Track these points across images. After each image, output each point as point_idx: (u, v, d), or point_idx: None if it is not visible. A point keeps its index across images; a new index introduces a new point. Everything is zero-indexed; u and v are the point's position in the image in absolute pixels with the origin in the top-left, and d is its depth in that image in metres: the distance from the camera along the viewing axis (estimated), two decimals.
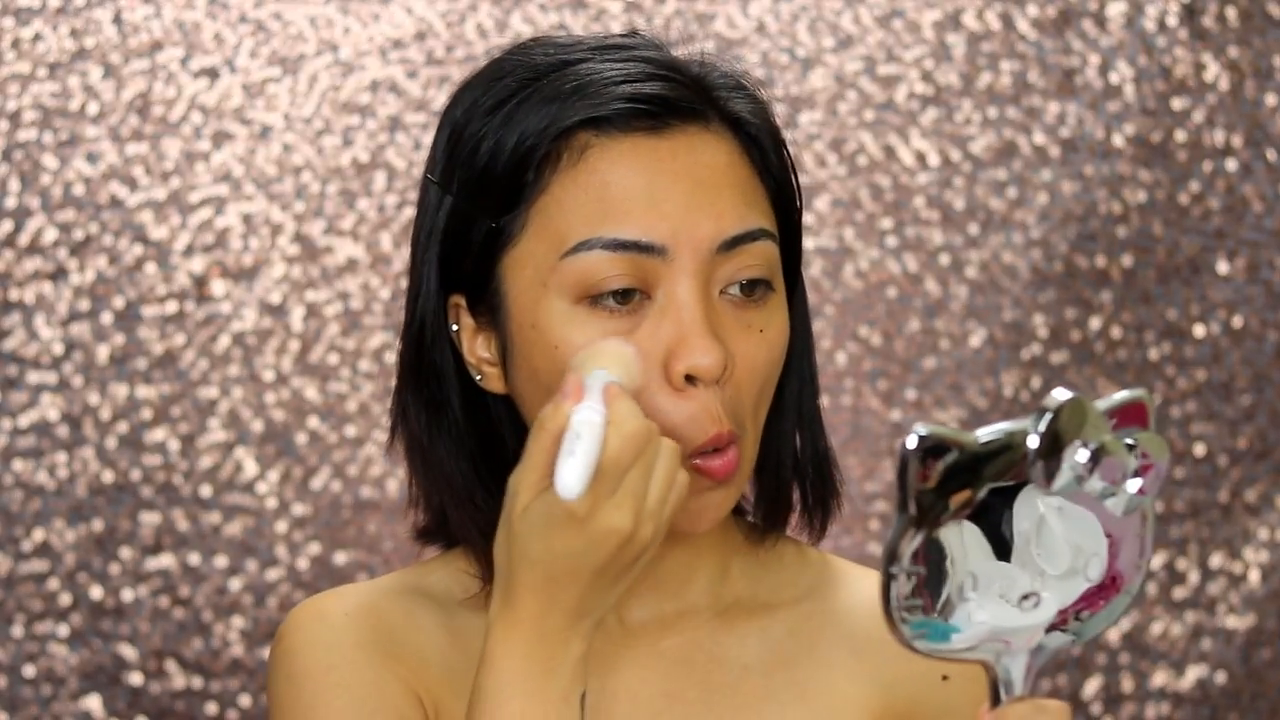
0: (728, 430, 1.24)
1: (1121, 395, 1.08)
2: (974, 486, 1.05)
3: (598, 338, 1.23)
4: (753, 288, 1.26)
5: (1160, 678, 2.37)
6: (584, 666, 1.18)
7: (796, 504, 1.36)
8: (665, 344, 1.24)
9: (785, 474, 1.34)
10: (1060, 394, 1.05)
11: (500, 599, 1.18)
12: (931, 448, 1.04)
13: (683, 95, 1.27)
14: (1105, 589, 1.10)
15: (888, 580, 1.04)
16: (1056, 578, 1.08)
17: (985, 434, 1.05)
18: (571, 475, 1.12)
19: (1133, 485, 1.07)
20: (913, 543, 1.04)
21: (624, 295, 1.24)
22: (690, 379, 1.23)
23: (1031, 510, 1.08)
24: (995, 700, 1.09)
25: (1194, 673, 2.37)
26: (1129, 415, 1.07)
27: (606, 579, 1.17)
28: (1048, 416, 1.04)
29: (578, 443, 1.13)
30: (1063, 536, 1.08)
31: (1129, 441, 1.07)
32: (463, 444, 1.30)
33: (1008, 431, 1.05)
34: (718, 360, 1.23)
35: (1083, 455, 1.05)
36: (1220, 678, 2.37)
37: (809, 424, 1.34)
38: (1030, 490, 1.08)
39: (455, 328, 1.29)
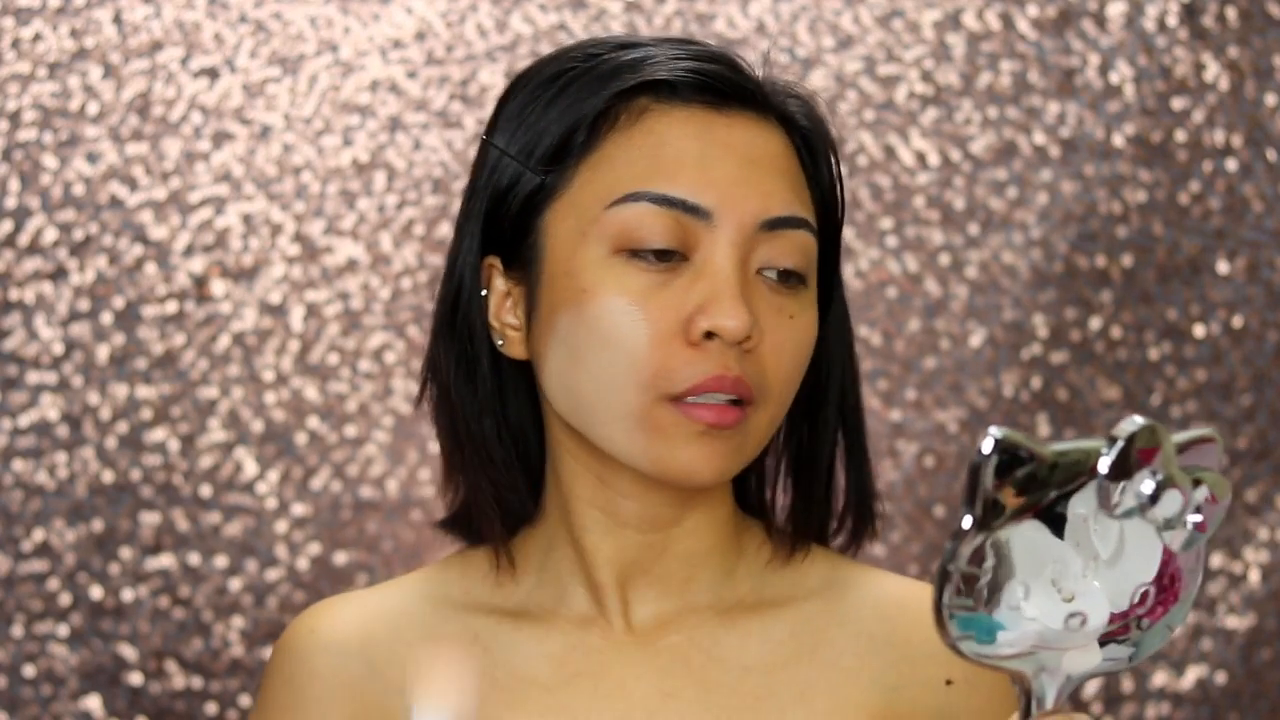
0: (733, 376, 1.24)
1: (1192, 431, 1.08)
2: (1040, 495, 1.05)
3: (631, 288, 1.24)
4: (787, 277, 1.28)
5: (1160, 678, 2.37)
6: None
7: (834, 516, 1.37)
8: (695, 303, 1.24)
9: (820, 474, 1.35)
10: (1135, 421, 1.05)
11: None
12: (1005, 455, 1.03)
13: (746, 81, 1.30)
14: (1164, 594, 1.10)
15: (942, 579, 1.04)
16: (1107, 564, 1.08)
17: (1059, 448, 1.05)
18: None
19: (1193, 520, 1.08)
20: (972, 544, 1.04)
21: (663, 254, 1.25)
22: (710, 335, 1.24)
23: (1089, 500, 1.08)
24: (1026, 713, 1.09)
25: (1194, 673, 2.37)
26: (1196, 451, 1.08)
27: None
28: (1121, 442, 1.05)
29: None
30: (1118, 526, 1.08)
31: (1195, 477, 1.08)
32: (489, 401, 1.32)
33: (1082, 449, 1.05)
34: (743, 324, 1.23)
35: (1149, 485, 1.06)
36: (1220, 678, 2.37)
37: (851, 432, 1.35)
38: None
39: (485, 292, 1.31)
